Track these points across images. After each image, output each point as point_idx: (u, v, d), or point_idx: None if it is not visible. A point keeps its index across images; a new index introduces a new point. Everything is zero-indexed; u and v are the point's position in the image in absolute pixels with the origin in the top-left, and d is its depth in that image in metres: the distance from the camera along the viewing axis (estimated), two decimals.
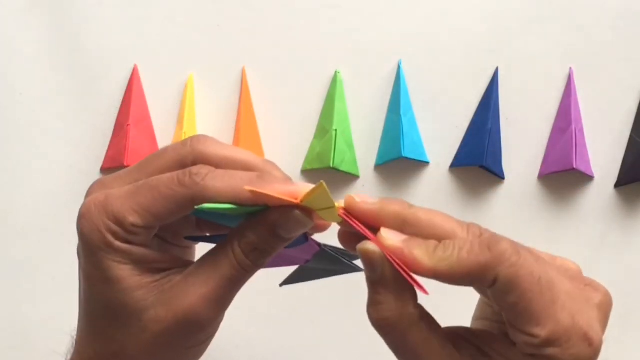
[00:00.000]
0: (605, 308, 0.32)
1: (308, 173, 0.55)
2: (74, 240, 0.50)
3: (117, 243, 0.33)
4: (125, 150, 0.53)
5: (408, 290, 0.30)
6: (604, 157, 0.55)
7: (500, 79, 0.55)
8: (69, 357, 0.36)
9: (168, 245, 0.37)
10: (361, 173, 0.55)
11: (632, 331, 0.54)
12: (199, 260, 0.34)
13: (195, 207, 0.33)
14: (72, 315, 0.38)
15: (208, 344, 0.37)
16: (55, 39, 0.55)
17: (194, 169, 0.32)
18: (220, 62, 0.56)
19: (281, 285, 0.39)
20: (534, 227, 0.55)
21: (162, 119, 0.55)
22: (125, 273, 0.34)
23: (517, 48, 0.55)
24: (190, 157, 0.34)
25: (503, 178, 0.55)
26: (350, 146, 0.55)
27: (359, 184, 0.55)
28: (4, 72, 0.55)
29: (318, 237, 0.36)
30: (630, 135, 0.55)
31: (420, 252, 0.30)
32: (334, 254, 0.37)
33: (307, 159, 0.55)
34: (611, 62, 0.55)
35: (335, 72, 0.55)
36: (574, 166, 0.52)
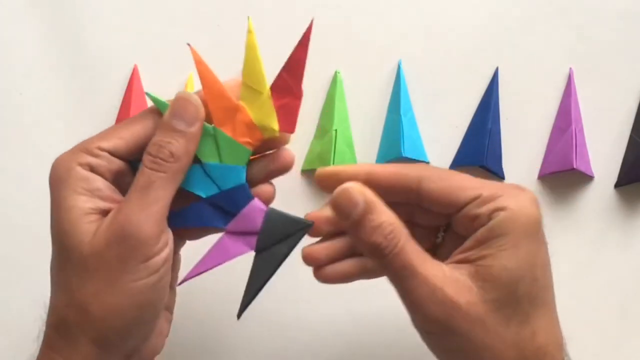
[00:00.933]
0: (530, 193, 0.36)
1: (308, 173, 0.55)
2: None
3: (78, 168, 0.35)
4: None
5: (390, 210, 0.35)
6: (604, 157, 0.55)
7: (500, 79, 0.55)
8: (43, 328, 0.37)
9: None
10: None
11: (632, 331, 0.54)
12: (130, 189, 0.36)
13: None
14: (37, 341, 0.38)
15: (156, 290, 0.35)
16: (55, 39, 0.55)
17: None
18: (221, 62, 0.56)
19: (239, 315, 0.38)
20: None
21: None
22: (77, 202, 0.35)
23: (517, 48, 0.55)
24: None
25: (503, 178, 0.55)
26: (350, 146, 0.55)
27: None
28: (4, 72, 0.55)
29: None
30: (630, 135, 0.55)
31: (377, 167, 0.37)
32: (282, 212, 0.38)
33: (307, 159, 0.55)
34: (611, 62, 0.55)
35: (335, 72, 0.55)
36: (574, 166, 0.52)
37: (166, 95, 0.55)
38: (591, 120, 0.55)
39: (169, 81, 0.55)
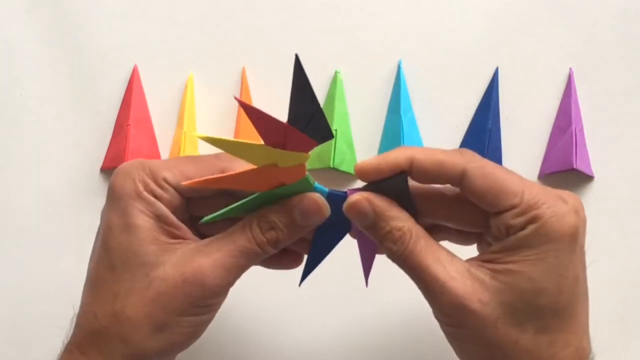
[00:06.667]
0: (574, 202, 0.35)
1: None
2: (74, 239, 0.51)
3: (145, 193, 0.36)
4: (125, 150, 0.53)
5: (402, 213, 0.36)
6: (604, 157, 0.55)
7: (500, 79, 0.55)
8: (71, 331, 0.37)
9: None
10: None
11: (632, 332, 0.54)
12: (216, 235, 0.36)
13: (202, 220, 0.36)
14: (73, 314, 0.38)
15: (205, 325, 0.37)
16: (55, 39, 0.55)
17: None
18: (220, 62, 0.56)
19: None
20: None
21: (162, 119, 0.55)
22: (146, 223, 0.36)
23: (517, 48, 0.55)
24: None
25: None
26: (350, 146, 0.55)
27: (358, 184, 0.55)
28: (4, 72, 0.55)
29: None
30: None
31: (416, 151, 0.36)
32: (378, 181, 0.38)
33: None
34: (611, 62, 0.55)
35: (335, 72, 0.55)
36: (574, 166, 0.52)
37: (166, 95, 0.56)
38: (591, 120, 0.55)
39: (169, 81, 0.55)
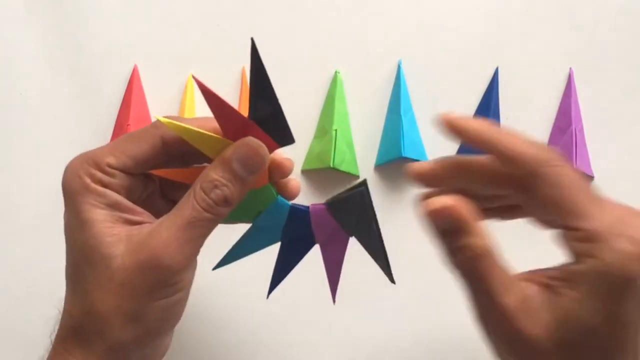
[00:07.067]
0: None
1: (308, 173, 0.55)
2: None
3: (93, 185, 0.35)
4: None
5: (479, 226, 0.33)
6: (604, 157, 0.55)
7: (500, 79, 0.55)
8: (55, 329, 0.37)
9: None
10: (361, 173, 0.55)
11: None
12: (169, 213, 0.36)
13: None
14: (57, 313, 0.38)
15: (179, 305, 0.36)
16: (55, 39, 0.55)
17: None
18: (220, 62, 0.56)
19: (393, 281, 0.39)
20: (534, 226, 0.55)
21: None
22: (98, 217, 0.35)
23: (517, 48, 0.55)
24: None
25: None
26: (350, 146, 0.55)
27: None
28: (4, 72, 0.55)
29: None
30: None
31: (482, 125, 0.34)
32: (338, 195, 0.36)
33: (307, 159, 0.55)
34: (611, 62, 0.55)
35: (335, 72, 0.55)
36: (574, 166, 0.52)
37: (166, 95, 0.56)
38: (591, 120, 0.55)
39: (169, 81, 0.55)
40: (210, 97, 0.33)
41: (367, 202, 0.35)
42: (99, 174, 0.36)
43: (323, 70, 0.55)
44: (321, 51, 0.56)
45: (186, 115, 0.54)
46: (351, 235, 0.38)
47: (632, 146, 0.55)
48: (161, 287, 0.35)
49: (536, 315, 0.32)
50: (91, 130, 0.55)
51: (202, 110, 0.55)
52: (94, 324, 0.35)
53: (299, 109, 0.55)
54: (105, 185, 0.36)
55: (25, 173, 0.55)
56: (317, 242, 0.38)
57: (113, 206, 0.36)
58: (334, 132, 0.53)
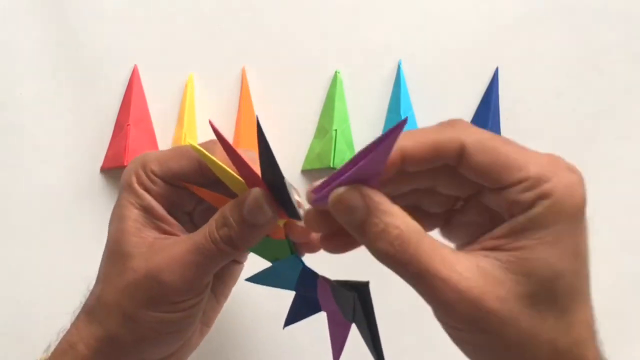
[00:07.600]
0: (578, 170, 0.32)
1: (308, 173, 0.55)
2: (74, 239, 0.51)
3: (136, 185, 0.37)
4: (125, 150, 0.53)
5: (397, 208, 0.31)
6: (603, 157, 0.55)
7: (500, 79, 0.55)
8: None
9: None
10: None
11: (632, 332, 0.54)
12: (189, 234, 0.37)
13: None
14: (73, 314, 0.39)
15: (181, 324, 0.37)
16: (55, 39, 0.55)
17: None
18: (220, 62, 0.56)
19: None
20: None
21: (162, 119, 0.55)
22: (131, 214, 0.37)
23: (517, 48, 0.55)
24: None
25: None
26: (350, 146, 0.55)
27: None
28: (4, 72, 0.55)
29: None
30: None
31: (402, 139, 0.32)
32: (343, 283, 0.36)
33: (307, 159, 0.55)
34: (610, 62, 0.55)
35: (335, 72, 0.55)
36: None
37: (166, 95, 0.56)
38: (591, 120, 0.55)
39: (169, 81, 0.55)
40: (231, 152, 0.33)
41: (366, 305, 0.34)
42: (144, 177, 0.38)
43: (323, 70, 0.55)
44: (321, 51, 0.56)
45: (186, 115, 0.54)
46: (351, 322, 0.36)
47: (632, 146, 0.55)
48: (157, 301, 0.36)
49: (495, 282, 0.30)
50: (91, 130, 0.55)
51: (202, 110, 0.55)
52: (99, 310, 0.37)
53: (299, 109, 0.55)
54: (146, 189, 0.38)
55: (24, 173, 0.55)
56: (323, 310, 0.37)
57: (147, 209, 0.37)
58: (334, 132, 0.53)
